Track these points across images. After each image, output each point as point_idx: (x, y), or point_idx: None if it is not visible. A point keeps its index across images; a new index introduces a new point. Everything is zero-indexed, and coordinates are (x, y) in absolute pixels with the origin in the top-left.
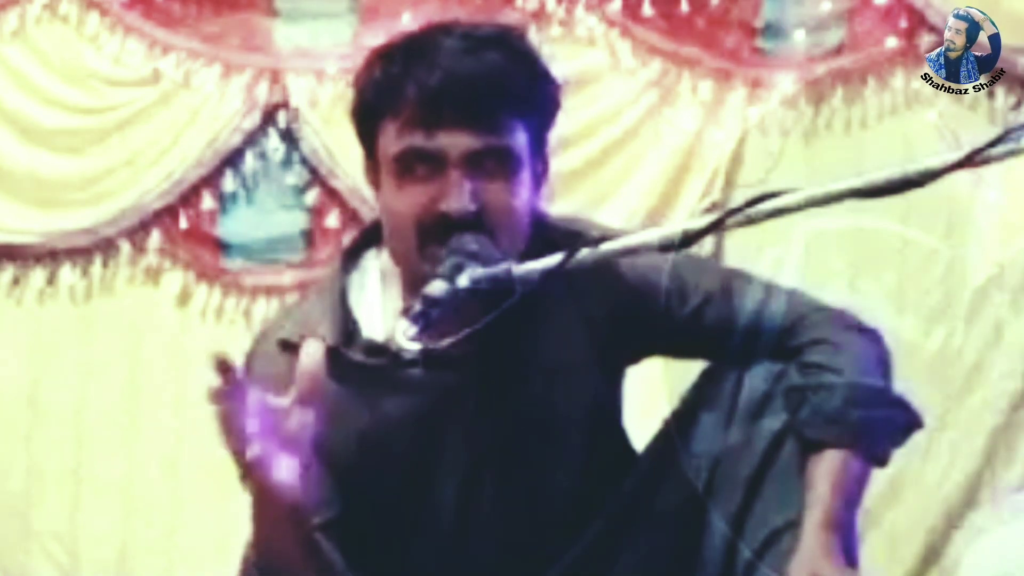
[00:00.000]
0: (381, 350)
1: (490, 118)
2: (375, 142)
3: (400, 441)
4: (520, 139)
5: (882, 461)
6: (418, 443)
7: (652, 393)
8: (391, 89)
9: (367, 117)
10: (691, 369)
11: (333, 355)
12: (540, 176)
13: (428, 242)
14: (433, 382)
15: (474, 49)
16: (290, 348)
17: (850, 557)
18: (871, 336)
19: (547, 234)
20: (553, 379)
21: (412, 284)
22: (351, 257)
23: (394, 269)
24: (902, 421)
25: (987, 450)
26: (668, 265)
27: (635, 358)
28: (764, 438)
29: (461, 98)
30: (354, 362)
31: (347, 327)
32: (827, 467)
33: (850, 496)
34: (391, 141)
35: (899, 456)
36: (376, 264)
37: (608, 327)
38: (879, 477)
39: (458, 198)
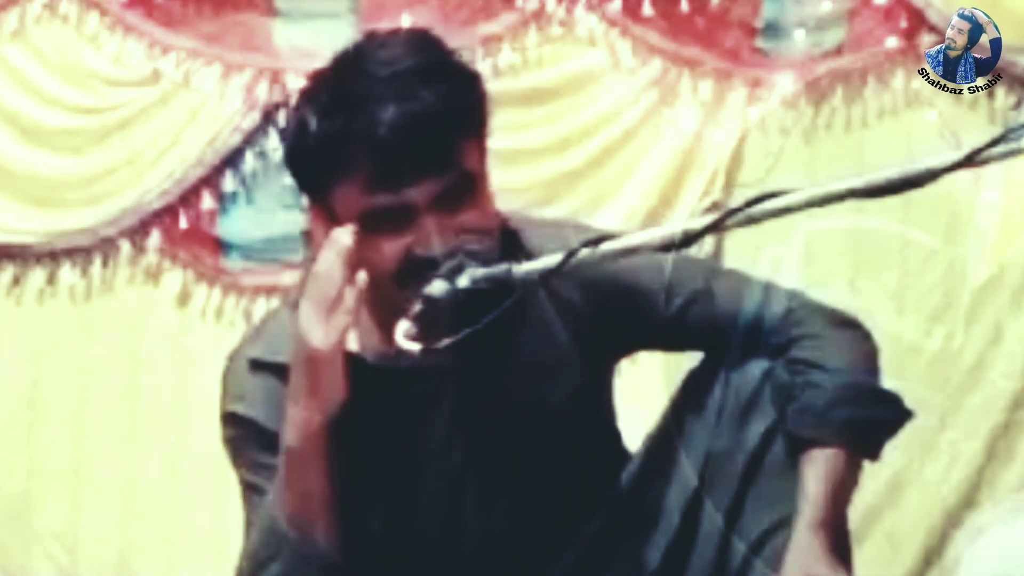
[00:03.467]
0: (352, 363)
1: (448, 155)
2: (327, 199)
3: (379, 451)
4: (474, 156)
5: (874, 456)
6: (397, 452)
7: (649, 392)
8: (336, 148)
9: (313, 174)
10: (689, 367)
11: None
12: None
13: (409, 284)
14: (409, 391)
15: (406, 90)
16: (260, 367)
17: (842, 556)
18: (859, 332)
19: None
20: (536, 376)
21: (386, 318)
22: None
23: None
24: (891, 416)
25: (987, 450)
26: (656, 264)
27: (622, 354)
28: (753, 437)
29: (414, 148)
30: None
31: None
32: (817, 465)
33: (841, 494)
34: (351, 202)
35: (899, 456)
36: None
37: (592, 324)
38: (879, 477)
39: (439, 242)
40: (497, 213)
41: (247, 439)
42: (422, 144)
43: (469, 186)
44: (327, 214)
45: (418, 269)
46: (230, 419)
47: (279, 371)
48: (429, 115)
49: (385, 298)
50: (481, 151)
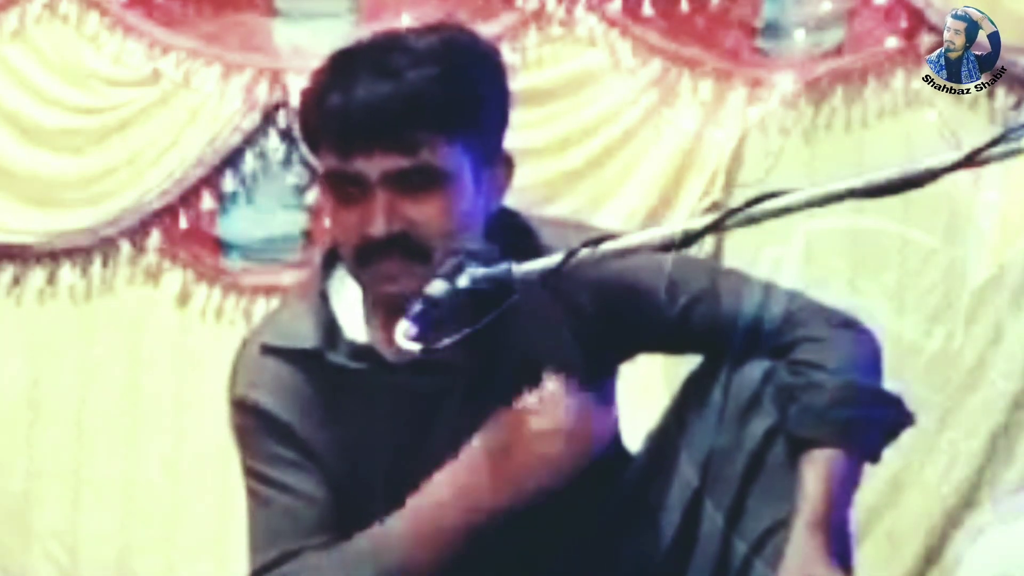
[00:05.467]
0: (364, 353)
1: (404, 139)
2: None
3: (383, 447)
4: (448, 155)
5: (874, 458)
6: (400, 449)
7: (650, 392)
8: (315, 111)
9: (306, 140)
10: (689, 368)
11: (315, 358)
12: (500, 179)
13: (365, 264)
14: (416, 388)
15: (399, 68)
16: (272, 353)
17: (842, 558)
18: (861, 333)
19: (519, 232)
20: (540, 379)
21: (370, 301)
22: (330, 260)
23: None
24: (893, 419)
25: (987, 450)
26: (658, 264)
27: (625, 356)
28: (754, 437)
29: (371, 120)
30: (337, 366)
31: (330, 329)
32: (817, 466)
33: (841, 495)
34: (322, 163)
35: (899, 456)
36: None
37: (596, 325)
38: (879, 477)
39: (380, 221)
40: (462, 226)
41: (261, 429)
42: (378, 118)
43: (432, 180)
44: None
45: (371, 250)
46: (242, 406)
47: (290, 357)
48: (400, 94)
49: (359, 282)
50: (480, 156)
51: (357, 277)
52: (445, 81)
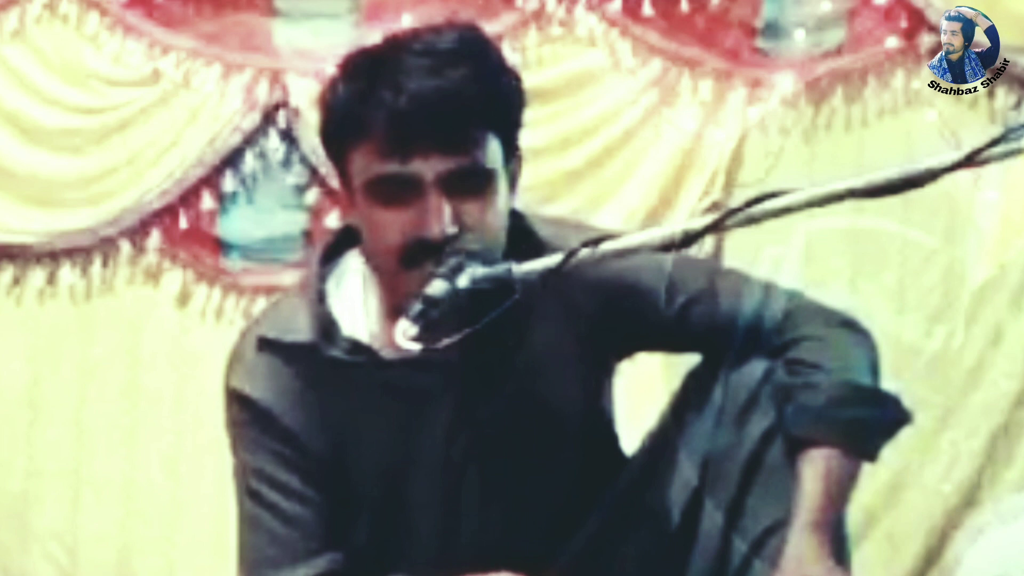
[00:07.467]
0: (361, 348)
1: (461, 137)
2: (346, 164)
3: (375, 442)
4: (493, 150)
5: (872, 457)
6: (393, 445)
7: (649, 392)
8: (358, 113)
9: (335, 140)
10: (688, 367)
11: (310, 353)
12: (514, 175)
13: (411, 266)
14: (412, 385)
15: (438, 67)
16: (268, 345)
17: (840, 556)
18: (859, 333)
19: (523, 234)
20: (538, 377)
21: (394, 302)
22: (328, 257)
23: (373, 274)
24: (890, 418)
25: (987, 450)
26: (658, 264)
27: (623, 355)
28: (753, 436)
29: (431, 121)
30: (333, 359)
31: (326, 325)
32: (815, 465)
33: (838, 494)
34: (364, 167)
35: (899, 456)
36: (357, 265)
37: (595, 324)
38: (879, 477)
39: (439, 223)
40: (500, 225)
41: (254, 422)
42: (436, 118)
43: (482, 179)
44: (347, 184)
45: (421, 252)
46: (237, 397)
47: (285, 351)
48: (450, 93)
49: (392, 285)
50: (506, 151)
51: (393, 279)
52: (480, 78)
